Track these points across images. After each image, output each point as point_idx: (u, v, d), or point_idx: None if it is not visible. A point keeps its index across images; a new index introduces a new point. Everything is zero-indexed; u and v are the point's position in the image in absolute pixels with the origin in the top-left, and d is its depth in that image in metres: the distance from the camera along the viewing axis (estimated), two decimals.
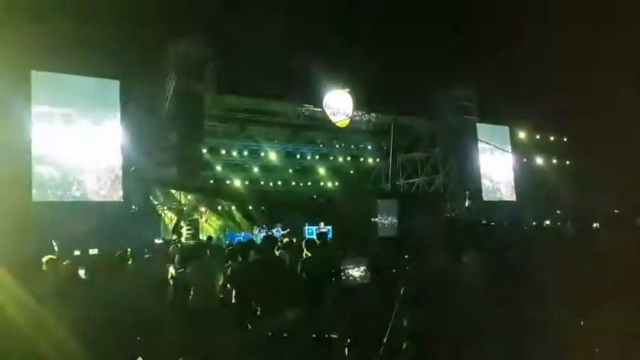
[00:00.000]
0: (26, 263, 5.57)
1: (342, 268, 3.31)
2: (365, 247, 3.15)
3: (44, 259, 6.13)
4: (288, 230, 21.00)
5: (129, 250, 7.88)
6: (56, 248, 12.06)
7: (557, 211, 20.83)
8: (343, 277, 3.31)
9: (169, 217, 20.65)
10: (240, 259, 7.13)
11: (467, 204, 24.05)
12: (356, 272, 3.36)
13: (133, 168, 16.45)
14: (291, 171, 25.71)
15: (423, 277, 4.31)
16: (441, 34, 27.96)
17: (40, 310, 4.85)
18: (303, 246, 7.28)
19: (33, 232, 14.16)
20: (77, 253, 10.37)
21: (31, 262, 5.90)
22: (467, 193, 24.19)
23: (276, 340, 4.84)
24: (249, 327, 4.98)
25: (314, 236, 13.52)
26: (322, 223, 19.72)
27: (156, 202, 20.34)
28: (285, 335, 4.68)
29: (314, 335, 5.01)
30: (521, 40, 26.28)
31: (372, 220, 3.08)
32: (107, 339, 4.32)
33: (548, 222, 17.81)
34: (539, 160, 26.11)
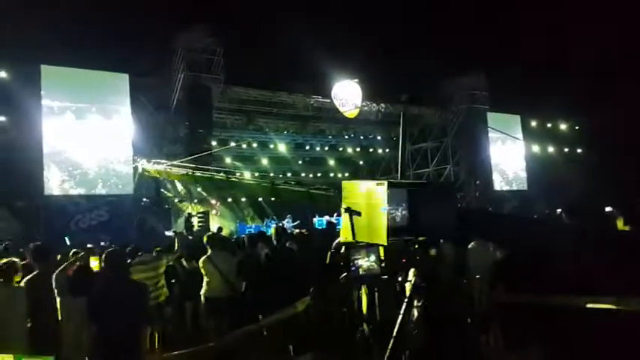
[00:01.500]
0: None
1: (351, 258, 3.29)
2: (374, 237, 3.15)
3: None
4: (298, 222, 21.03)
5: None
6: (68, 243, 12.17)
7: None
8: (353, 268, 3.30)
9: (180, 209, 20.76)
10: (251, 251, 7.16)
11: (477, 194, 23.94)
12: (365, 263, 3.35)
13: (143, 161, 16.55)
14: (300, 162, 25.73)
15: (433, 266, 4.29)
16: (451, 22, 27.70)
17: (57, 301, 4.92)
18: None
19: (45, 225, 14.33)
20: (90, 245, 10.45)
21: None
22: (477, 183, 24.07)
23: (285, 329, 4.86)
24: (261, 317, 5.00)
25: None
26: (327, 216, 19.72)
27: (169, 195, 20.43)
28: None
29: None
30: (532, 28, 26.01)
31: (381, 209, 3.06)
32: (120, 330, 4.35)
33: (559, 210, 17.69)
34: (550, 149, 25.90)
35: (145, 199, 17.32)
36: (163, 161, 17.22)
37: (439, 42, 25.72)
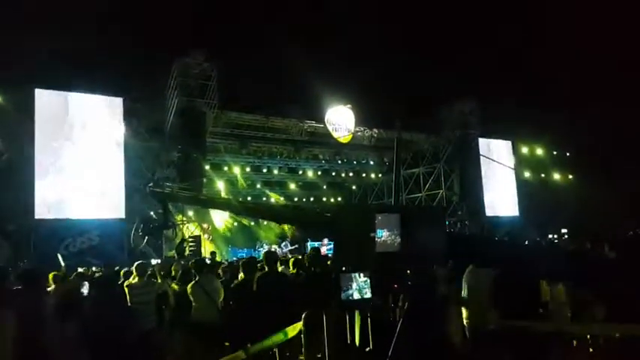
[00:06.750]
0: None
1: (341, 284, 3.29)
2: (364, 262, 3.15)
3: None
4: (296, 246, 20.93)
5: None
6: (62, 263, 12.02)
7: (563, 229, 20.70)
8: (343, 294, 3.29)
9: (172, 234, 20.60)
10: (241, 275, 7.11)
11: (468, 219, 23.98)
12: (357, 288, 3.35)
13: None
14: (293, 186, 25.72)
15: (426, 291, 4.29)
16: (443, 50, 28.14)
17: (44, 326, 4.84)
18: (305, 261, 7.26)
19: (35, 249, 14.18)
20: (80, 270, 10.34)
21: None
22: (468, 208, 24.14)
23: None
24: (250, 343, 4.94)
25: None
26: (326, 240, 19.68)
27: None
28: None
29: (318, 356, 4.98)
30: (524, 55, 26.45)
31: (371, 235, 3.07)
32: (108, 355, 4.29)
33: (550, 236, 17.77)
34: (542, 175, 26.06)
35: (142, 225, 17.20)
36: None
37: (431, 68, 26.11)
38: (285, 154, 22.90)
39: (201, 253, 17.75)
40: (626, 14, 21.48)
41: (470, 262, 5.96)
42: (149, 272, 7.44)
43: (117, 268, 7.68)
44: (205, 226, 21.70)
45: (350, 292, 3.25)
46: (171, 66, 18.32)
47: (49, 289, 5.99)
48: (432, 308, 4.50)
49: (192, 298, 6.76)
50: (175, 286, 7.69)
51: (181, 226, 20.25)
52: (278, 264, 7.28)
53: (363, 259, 3.14)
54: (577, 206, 22.03)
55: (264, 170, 23.24)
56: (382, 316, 3.52)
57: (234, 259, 16.22)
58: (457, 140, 24.40)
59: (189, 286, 6.80)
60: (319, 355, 6.08)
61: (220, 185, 22.09)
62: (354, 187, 27.92)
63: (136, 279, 6.91)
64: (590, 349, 4.05)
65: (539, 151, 26.39)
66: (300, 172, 24.54)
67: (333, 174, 25.42)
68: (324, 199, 27.14)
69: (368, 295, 3.29)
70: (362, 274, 3.28)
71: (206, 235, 21.54)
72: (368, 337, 3.67)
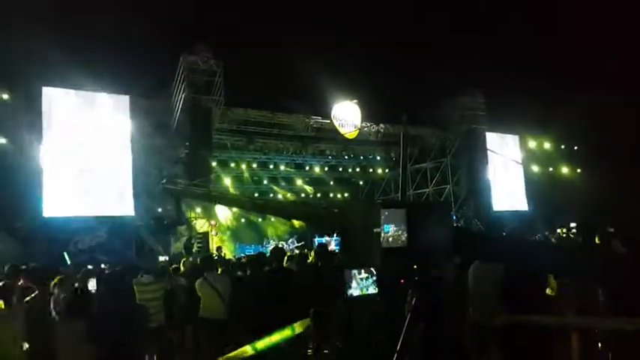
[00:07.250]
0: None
1: (346, 279, 3.29)
2: (370, 257, 3.14)
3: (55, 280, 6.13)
4: (302, 243, 20.95)
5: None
6: (69, 262, 12.10)
7: (572, 224, 20.58)
8: (349, 289, 3.30)
9: (180, 231, 20.67)
10: (248, 271, 7.14)
11: (476, 214, 23.89)
12: (363, 283, 3.35)
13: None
14: (300, 182, 25.71)
15: (433, 287, 4.27)
16: (449, 43, 28.01)
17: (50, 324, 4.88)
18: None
19: (43, 247, 14.26)
20: (90, 267, 10.41)
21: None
22: (476, 203, 24.04)
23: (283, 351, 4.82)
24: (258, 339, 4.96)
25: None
26: (327, 236, 19.73)
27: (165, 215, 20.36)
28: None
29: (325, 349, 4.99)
30: (531, 48, 26.27)
31: (375, 230, 3.06)
32: (119, 353, 4.32)
33: (559, 230, 17.67)
34: (550, 169, 25.91)
35: (151, 221, 17.33)
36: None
37: (438, 63, 25.98)
38: (291, 150, 22.93)
39: (209, 249, 17.83)
40: (636, 7, 21.23)
41: (476, 257, 5.94)
42: (158, 269, 7.49)
43: (119, 267, 7.68)
44: (213, 222, 21.75)
45: (350, 290, 3.25)
46: (177, 63, 18.34)
47: (58, 286, 6.02)
48: (439, 304, 4.49)
49: (200, 295, 6.79)
50: (184, 283, 7.74)
51: (192, 222, 20.40)
52: (285, 260, 7.31)
53: (369, 254, 3.13)
54: (586, 200, 21.88)
55: (271, 166, 23.28)
56: (389, 312, 3.51)
57: (242, 255, 16.26)
58: (464, 135, 24.30)
59: (198, 282, 6.84)
60: (327, 351, 6.10)
61: (227, 182, 22.14)
62: (361, 183, 27.86)
63: (145, 275, 6.96)
64: (598, 344, 4.04)
65: (547, 145, 26.23)
66: (307, 168, 24.53)
67: (340, 169, 25.38)
68: (331, 194, 27.10)
69: (370, 291, 3.29)
70: (362, 271, 3.28)
71: (213, 232, 21.60)
72: (375, 334, 3.67)
